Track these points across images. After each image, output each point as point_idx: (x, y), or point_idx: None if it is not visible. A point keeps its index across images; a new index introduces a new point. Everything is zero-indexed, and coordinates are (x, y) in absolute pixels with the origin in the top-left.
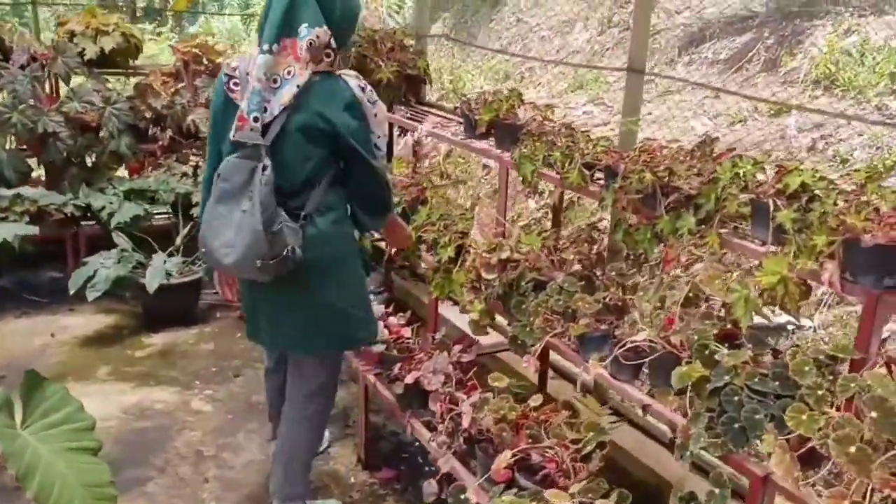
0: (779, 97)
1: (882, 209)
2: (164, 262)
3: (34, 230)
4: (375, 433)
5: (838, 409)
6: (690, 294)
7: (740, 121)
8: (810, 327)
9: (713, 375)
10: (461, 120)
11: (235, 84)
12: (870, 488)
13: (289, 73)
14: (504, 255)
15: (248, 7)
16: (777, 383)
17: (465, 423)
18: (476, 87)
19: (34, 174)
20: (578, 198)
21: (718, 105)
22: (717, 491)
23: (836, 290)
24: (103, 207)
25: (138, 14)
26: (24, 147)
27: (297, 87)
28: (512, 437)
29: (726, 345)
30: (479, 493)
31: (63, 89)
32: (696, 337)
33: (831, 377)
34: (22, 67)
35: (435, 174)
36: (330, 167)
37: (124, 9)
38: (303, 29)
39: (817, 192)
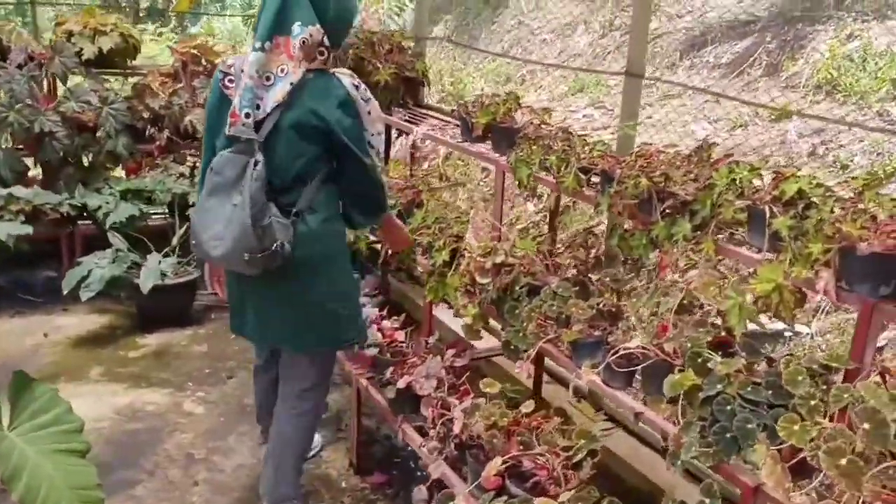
0: (780, 102)
1: (879, 217)
2: (159, 262)
3: (28, 230)
4: (368, 437)
5: (832, 420)
6: (684, 301)
7: (741, 125)
8: (808, 334)
9: (705, 384)
10: (459, 123)
11: (230, 81)
12: (861, 501)
13: (282, 70)
14: (499, 260)
15: (249, 8)
16: (770, 392)
17: (457, 428)
18: (477, 90)
19: (31, 173)
20: (577, 202)
21: (719, 109)
22: (707, 501)
23: (832, 298)
24: (99, 207)
25: (141, 14)
26: (21, 146)
27: (291, 84)
28: (503, 443)
29: (720, 352)
30: (469, 501)
31: (60, 89)
32: (689, 344)
33: (825, 387)
34: (19, 67)
35: (434, 176)
36: (322, 164)
37: (127, 9)
38: (296, 27)
39: (814, 199)
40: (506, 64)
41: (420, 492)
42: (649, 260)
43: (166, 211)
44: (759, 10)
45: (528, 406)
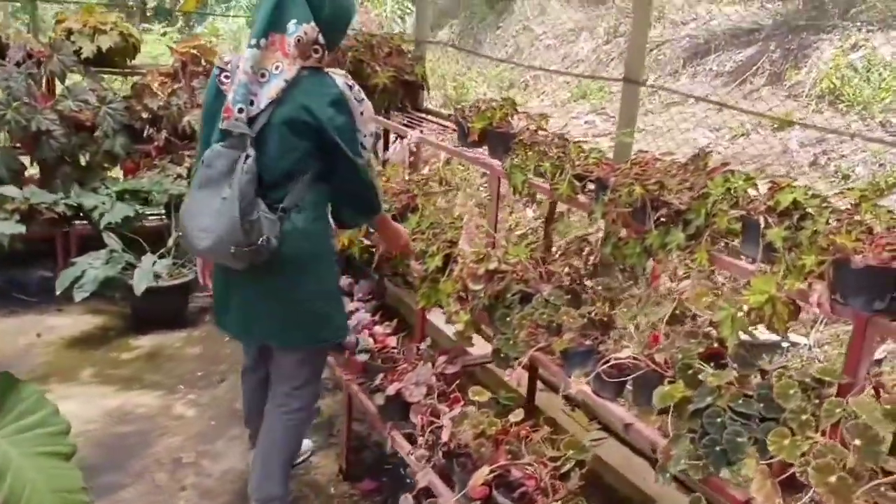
0: (782, 111)
1: (875, 229)
2: (154, 263)
3: (21, 228)
4: (359, 443)
5: (824, 435)
6: (676, 311)
7: (742, 134)
8: (806, 345)
9: (696, 396)
10: (456, 127)
11: (226, 77)
12: None
13: (277, 67)
14: (491, 266)
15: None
16: (762, 405)
17: (445, 436)
18: (480, 95)
19: (27, 172)
20: (574, 209)
21: (721, 118)
22: None
23: (825, 312)
24: (95, 207)
25: (148, 14)
26: (18, 145)
27: (285, 81)
28: (491, 452)
29: (711, 364)
30: None
31: (59, 88)
32: (680, 355)
33: (817, 401)
34: (17, 64)
35: (433, 181)
36: (313, 162)
37: (134, 8)
38: (291, 25)
39: (809, 209)
40: (509, 69)
41: (407, 500)
42: (645, 269)
43: (163, 212)
44: (763, 19)
45: (517, 415)
